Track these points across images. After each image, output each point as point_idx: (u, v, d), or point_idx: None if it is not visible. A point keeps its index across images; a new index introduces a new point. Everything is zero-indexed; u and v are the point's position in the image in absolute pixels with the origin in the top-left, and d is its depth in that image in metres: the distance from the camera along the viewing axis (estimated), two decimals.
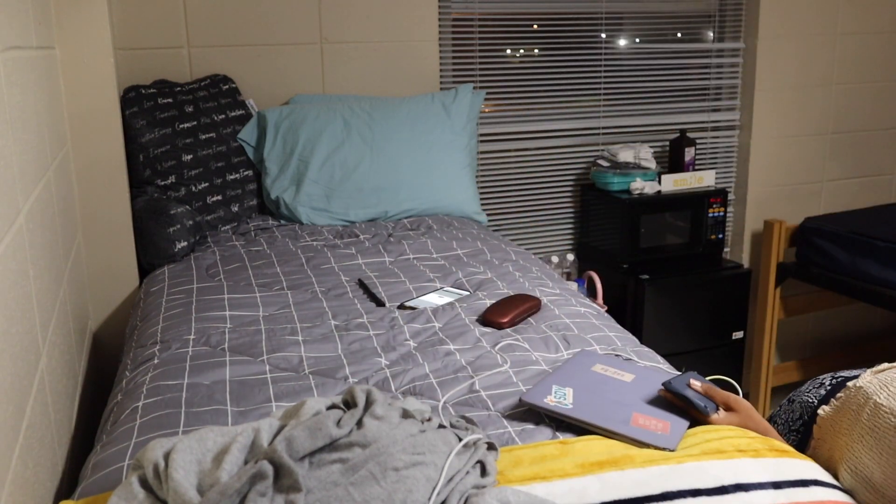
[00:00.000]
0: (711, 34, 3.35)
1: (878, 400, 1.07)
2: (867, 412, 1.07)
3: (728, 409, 1.23)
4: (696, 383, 1.25)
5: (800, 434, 1.23)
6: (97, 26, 2.10)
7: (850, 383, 1.15)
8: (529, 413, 1.26)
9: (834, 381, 1.23)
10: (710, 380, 1.31)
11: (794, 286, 3.27)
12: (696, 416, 1.22)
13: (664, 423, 1.18)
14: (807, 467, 1.08)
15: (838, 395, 1.17)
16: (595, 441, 1.14)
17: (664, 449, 1.11)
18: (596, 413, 1.20)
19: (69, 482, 1.46)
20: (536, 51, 3.13)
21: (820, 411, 1.19)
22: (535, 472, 1.04)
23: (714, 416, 1.21)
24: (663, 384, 1.25)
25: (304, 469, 0.93)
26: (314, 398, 1.05)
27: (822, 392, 1.22)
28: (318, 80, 2.77)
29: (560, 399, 1.23)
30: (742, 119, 3.40)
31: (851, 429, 1.10)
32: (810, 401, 1.24)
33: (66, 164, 2.01)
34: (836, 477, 1.11)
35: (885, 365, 1.16)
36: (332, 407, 1.05)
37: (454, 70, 3.01)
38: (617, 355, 1.50)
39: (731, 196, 3.46)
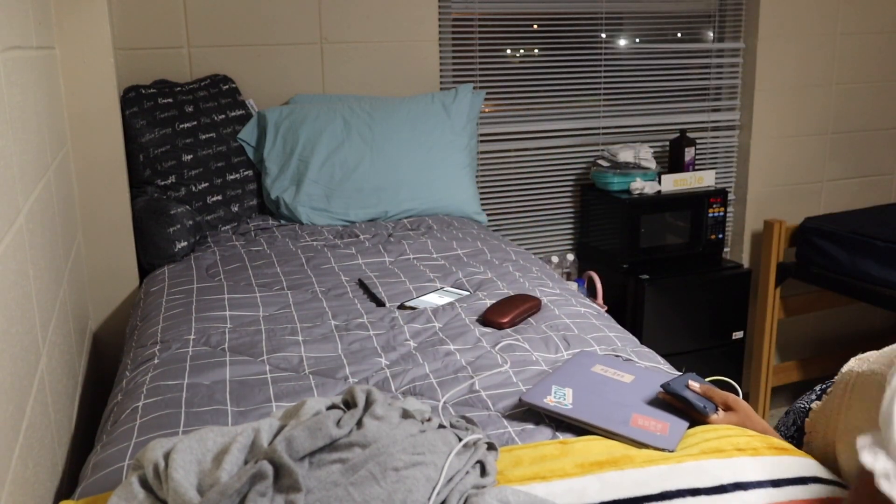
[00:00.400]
0: (711, 34, 3.35)
1: (859, 371, 1.10)
2: (852, 384, 1.11)
3: (727, 409, 1.23)
4: (695, 384, 1.26)
5: (794, 439, 1.24)
6: (97, 26, 2.10)
7: (836, 377, 1.18)
8: (529, 413, 1.26)
9: (824, 385, 1.25)
10: (710, 381, 1.31)
11: (794, 286, 3.27)
12: (695, 417, 1.22)
13: (663, 424, 1.18)
14: (806, 464, 1.08)
15: (829, 390, 1.19)
16: (595, 441, 1.14)
17: (663, 450, 1.11)
18: (595, 413, 1.20)
19: (69, 482, 1.46)
20: (536, 51, 3.13)
21: (812, 405, 1.21)
22: (534, 471, 1.04)
23: (713, 417, 1.21)
24: (661, 386, 1.26)
25: (304, 469, 0.93)
26: (314, 398, 1.06)
27: (813, 396, 1.25)
28: (318, 80, 2.77)
29: (560, 399, 1.24)
30: (742, 119, 3.40)
31: (840, 407, 1.13)
32: (803, 406, 1.26)
33: (66, 164, 2.01)
34: (836, 463, 1.12)
35: (869, 353, 1.19)
36: (332, 407, 1.05)
37: (454, 70, 3.01)
38: (617, 356, 1.50)
39: (731, 196, 3.46)
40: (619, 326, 1.72)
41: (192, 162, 2.42)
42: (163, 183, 2.39)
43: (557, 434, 1.19)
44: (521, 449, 1.11)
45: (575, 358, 1.42)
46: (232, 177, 2.52)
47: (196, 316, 1.71)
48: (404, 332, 1.62)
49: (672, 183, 2.99)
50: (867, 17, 3.43)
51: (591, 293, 2.91)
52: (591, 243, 3.14)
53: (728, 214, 3.35)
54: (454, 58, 3.01)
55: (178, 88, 2.51)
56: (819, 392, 1.25)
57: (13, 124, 1.30)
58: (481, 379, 1.38)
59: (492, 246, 2.26)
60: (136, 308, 1.99)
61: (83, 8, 2.08)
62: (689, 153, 3.11)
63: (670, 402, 1.24)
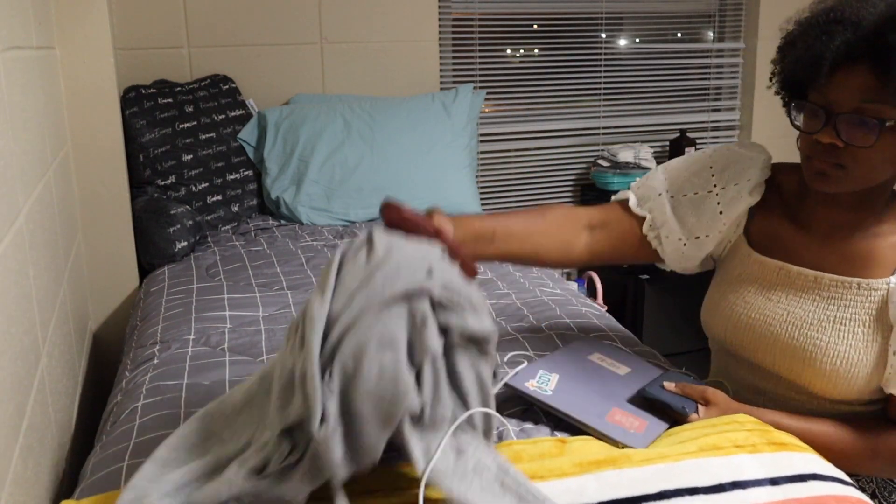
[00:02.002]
0: (711, 34, 3.35)
1: None
2: None
3: (707, 402, 1.22)
4: (670, 384, 1.24)
5: None
6: (97, 26, 2.10)
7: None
8: (528, 412, 1.26)
9: None
10: (706, 383, 1.30)
11: None
12: (676, 419, 1.21)
13: (641, 422, 1.16)
14: (805, 461, 1.08)
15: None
16: (593, 440, 1.14)
17: (632, 448, 1.10)
18: (574, 404, 1.17)
19: (69, 482, 1.46)
20: (536, 51, 3.13)
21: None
22: (533, 470, 1.04)
23: (693, 416, 1.20)
24: (638, 392, 1.23)
25: None
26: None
27: None
28: (318, 80, 2.78)
29: (541, 385, 1.20)
30: (742, 119, 3.39)
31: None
32: None
33: (66, 164, 2.01)
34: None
35: None
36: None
37: (454, 70, 3.01)
38: (620, 347, 1.49)
39: None
40: (619, 326, 1.72)
41: (192, 162, 2.43)
42: (163, 183, 2.39)
43: (556, 433, 1.19)
44: (521, 444, 1.11)
45: (574, 344, 1.40)
46: (232, 177, 2.52)
47: (196, 316, 1.71)
48: None
49: None
50: None
51: (591, 293, 2.91)
52: None
53: None
54: (454, 58, 3.01)
55: (178, 88, 2.51)
56: None
57: (13, 124, 1.30)
58: None
59: None
60: (136, 308, 1.99)
61: (83, 8, 2.08)
62: (689, 153, 3.11)
63: (654, 403, 1.23)
